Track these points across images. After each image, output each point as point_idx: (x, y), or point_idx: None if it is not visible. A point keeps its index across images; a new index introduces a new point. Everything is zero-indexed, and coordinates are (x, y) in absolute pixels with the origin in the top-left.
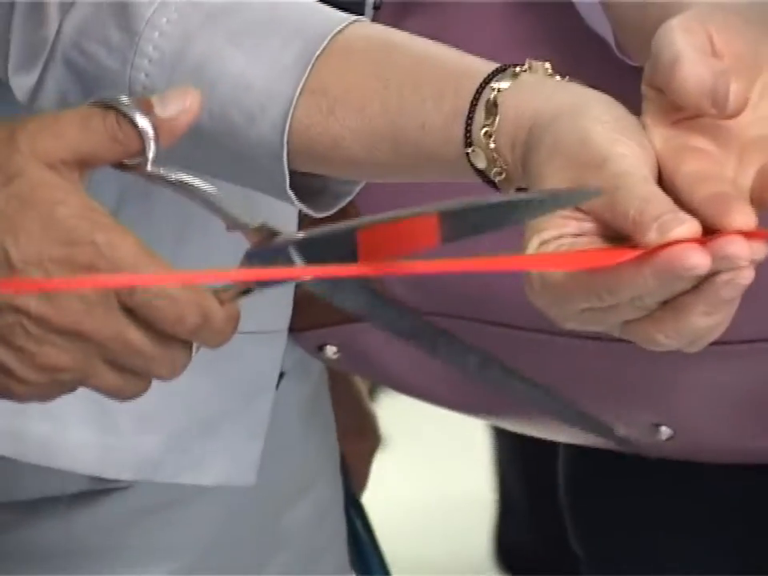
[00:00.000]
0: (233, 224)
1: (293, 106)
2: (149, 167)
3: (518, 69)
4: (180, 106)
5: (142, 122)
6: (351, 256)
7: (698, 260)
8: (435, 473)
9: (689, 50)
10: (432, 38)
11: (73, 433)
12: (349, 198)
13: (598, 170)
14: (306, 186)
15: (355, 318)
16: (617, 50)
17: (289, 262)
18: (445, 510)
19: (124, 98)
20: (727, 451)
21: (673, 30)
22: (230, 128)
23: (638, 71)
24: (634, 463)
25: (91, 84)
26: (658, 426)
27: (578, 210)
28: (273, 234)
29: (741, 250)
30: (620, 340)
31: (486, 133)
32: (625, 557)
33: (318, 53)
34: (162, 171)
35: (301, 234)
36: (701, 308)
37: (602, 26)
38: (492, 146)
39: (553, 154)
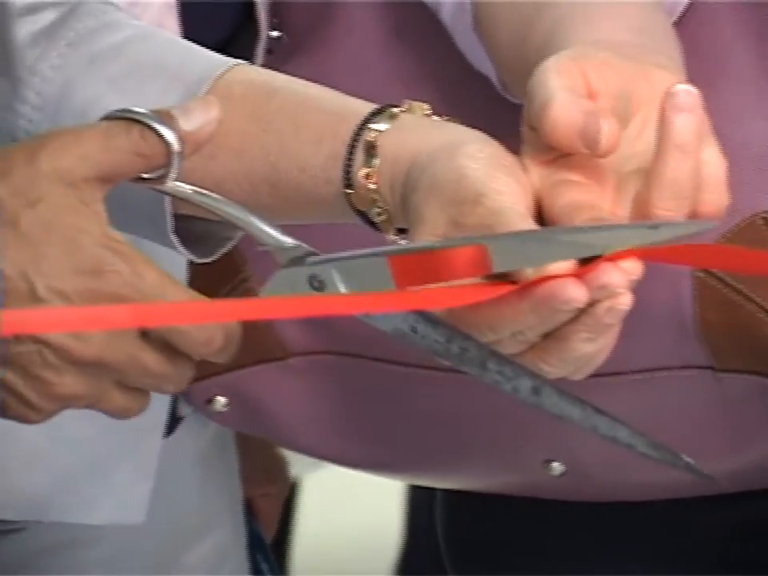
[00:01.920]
0: (265, 240)
1: None
2: (169, 182)
3: (395, 110)
4: (204, 116)
5: (168, 134)
6: (385, 283)
7: (575, 293)
8: (348, 510)
9: (560, 91)
10: (317, 80)
11: None
12: (231, 244)
13: (475, 206)
14: (188, 232)
15: (244, 364)
16: (500, 89)
17: (321, 284)
18: (359, 549)
19: (142, 110)
20: (618, 485)
21: (547, 70)
22: None
23: (521, 108)
24: (512, 508)
25: None
26: (549, 461)
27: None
28: (309, 253)
29: (615, 278)
30: None
31: (365, 174)
32: None
33: None
34: (183, 186)
35: (341, 255)
36: (583, 335)
37: (485, 65)
38: (372, 187)
39: (431, 194)
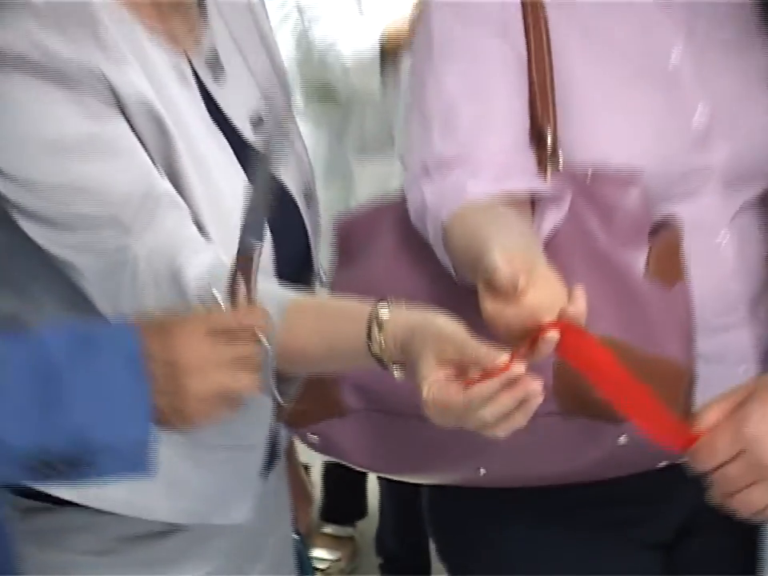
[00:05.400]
0: None
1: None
2: None
3: (387, 303)
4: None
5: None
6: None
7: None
8: None
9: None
10: (363, 283)
11: None
12: (298, 383)
13: (459, 346)
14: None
15: (321, 418)
16: (456, 278)
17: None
18: None
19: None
20: (523, 478)
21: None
22: None
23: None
24: (485, 491)
25: None
26: (478, 468)
27: (442, 362)
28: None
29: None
30: None
31: (378, 339)
32: (481, 571)
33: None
34: None
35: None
36: None
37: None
38: (383, 345)
39: (423, 344)
